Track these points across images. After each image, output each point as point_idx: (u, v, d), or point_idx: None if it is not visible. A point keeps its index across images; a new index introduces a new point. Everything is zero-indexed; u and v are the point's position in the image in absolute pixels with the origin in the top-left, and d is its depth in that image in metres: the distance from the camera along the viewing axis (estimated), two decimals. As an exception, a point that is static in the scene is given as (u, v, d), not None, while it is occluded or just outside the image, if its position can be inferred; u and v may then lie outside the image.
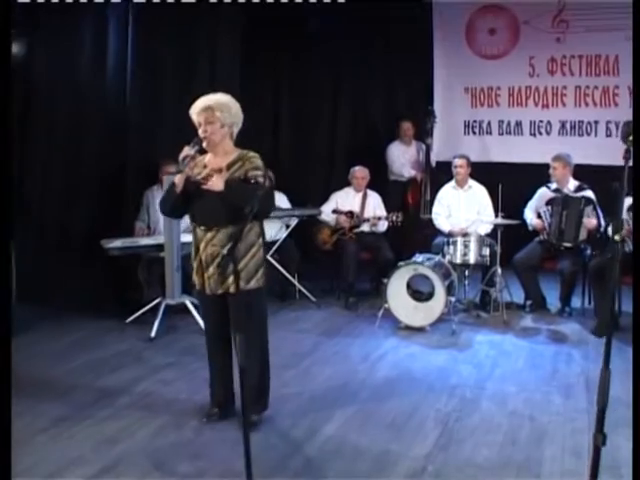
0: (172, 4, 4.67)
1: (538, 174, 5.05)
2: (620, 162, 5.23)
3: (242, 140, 2.68)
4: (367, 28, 6.34)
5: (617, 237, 1.55)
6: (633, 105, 5.36)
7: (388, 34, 6.39)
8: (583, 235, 4.54)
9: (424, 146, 5.86)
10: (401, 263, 4.31)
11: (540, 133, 6.03)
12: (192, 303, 4.39)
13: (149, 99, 4.89)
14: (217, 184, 2.59)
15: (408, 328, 4.28)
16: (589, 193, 4.69)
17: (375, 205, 5.16)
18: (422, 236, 5.30)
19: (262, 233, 2.73)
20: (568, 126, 5.93)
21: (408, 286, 4.38)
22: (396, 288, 4.29)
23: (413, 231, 5.48)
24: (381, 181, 5.96)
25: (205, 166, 2.76)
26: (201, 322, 4.33)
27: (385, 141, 6.13)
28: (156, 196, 4.79)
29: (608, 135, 5.79)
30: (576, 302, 4.70)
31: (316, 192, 6.01)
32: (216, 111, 2.66)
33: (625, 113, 5.65)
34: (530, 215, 4.86)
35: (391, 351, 3.92)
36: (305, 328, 4.44)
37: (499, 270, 4.53)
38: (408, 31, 6.24)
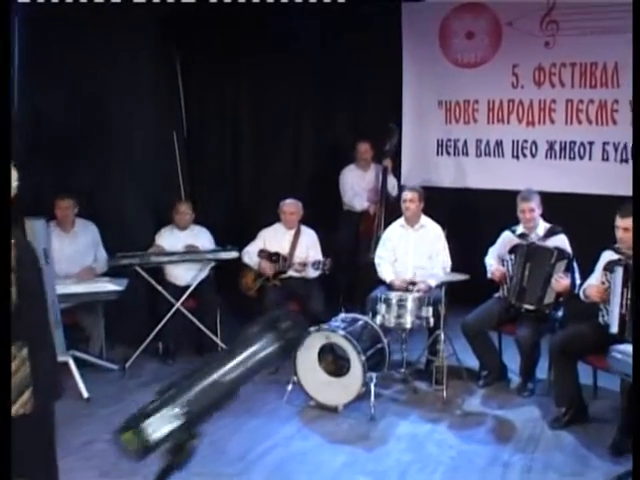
0: (69, 4, 4.01)
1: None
2: (619, 191, 4.28)
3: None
4: (332, 34, 5.53)
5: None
6: (633, 108, 4.39)
7: (357, 39, 5.52)
8: (550, 297, 3.58)
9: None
10: (312, 329, 3.51)
11: (524, 155, 5.07)
12: (78, 361, 3.80)
13: (39, 120, 4.25)
14: None
15: (320, 406, 3.50)
16: (562, 239, 3.75)
17: (308, 245, 4.36)
18: (369, 281, 4.45)
19: (26, 343, 1.99)
20: (557, 147, 4.94)
21: (332, 350, 3.60)
22: (306, 359, 3.50)
23: (360, 275, 4.66)
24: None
25: None
26: (82, 386, 3.75)
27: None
28: (52, 236, 4.17)
29: (605, 159, 4.78)
30: (542, 372, 3.78)
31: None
32: None
33: (625, 133, 4.66)
34: (491, 261, 3.97)
35: (281, 444, 3.14)
36: (201, 399, 3.70)
37: (442, 336, 3.67)
38: (380, 36, 5.39)
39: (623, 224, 3.16)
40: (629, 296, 2.96)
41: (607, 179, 4.74)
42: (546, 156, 4.99)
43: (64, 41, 4.35)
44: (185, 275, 4.39)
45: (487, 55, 5.11)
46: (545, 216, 3.95)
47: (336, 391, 3.46)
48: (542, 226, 3.83)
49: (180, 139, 5.61)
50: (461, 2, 5.14)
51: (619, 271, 3.02)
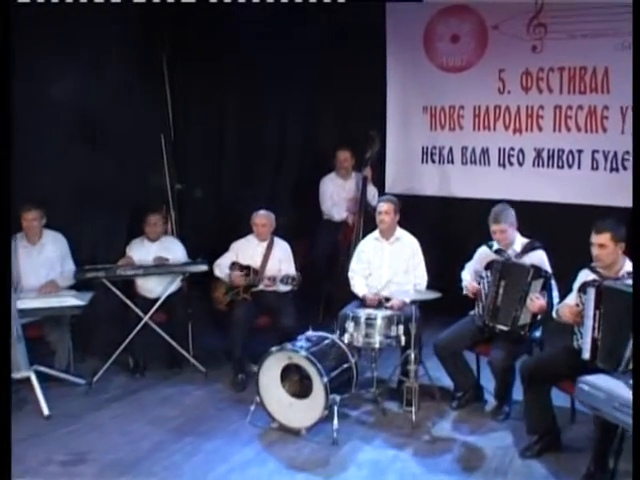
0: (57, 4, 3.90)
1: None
2: (609, 202, 4.11)
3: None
4: (319, 37, 5.37)
5: None
6: (633, 112, 4.19)
7: (344, 44, 5.35)
8: (526, 318, 3.38)
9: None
10: (274, 348, 3.38)
11: (511, 163, 4.89)
12: (41, 376, 3.72)
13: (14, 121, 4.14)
14: None
15: (283, 429, 3.37)
16: (540, 255, 3.56)
17: (281, 258, 4.22)
18: (347, 293, 4.30)
19: None
20: (545, 155, 4.76)
21: (298, 370, 3.47)
22: (269, 379, 3.38)
23: (338, 286, 4.51)
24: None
25: None
26: (43, 402, 3.66)
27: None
28: (19, 247, 4.10)
29: (594, 168, 4.59)
30: (519, 394, 3.59)
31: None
32: None
33: (615, 141, 4.48)
34: (467, 277, 3.80)
35: (237, 469, 3.00)
36: (162, 417, 3.57)
37: (412, 356, 3.51)
38: (365, 40, 5.22)
39: (598, 240, 2.99)
40: (601, 320, 2.78)
41: (596, 189, 4.55)
42: (533, 164, 4.81)
43: (48, 41, 4.27)
44: (155, 288, 4.28)
45: (473, 59, 4.93)
46: (530, 228, 3.76)
47: (299, 413, 3.33)
48: (519, 241, 3.64)
49: (167, 142, 5.50)
50: (446, 4, 4.97)
51: (591, 293, 2.84)
